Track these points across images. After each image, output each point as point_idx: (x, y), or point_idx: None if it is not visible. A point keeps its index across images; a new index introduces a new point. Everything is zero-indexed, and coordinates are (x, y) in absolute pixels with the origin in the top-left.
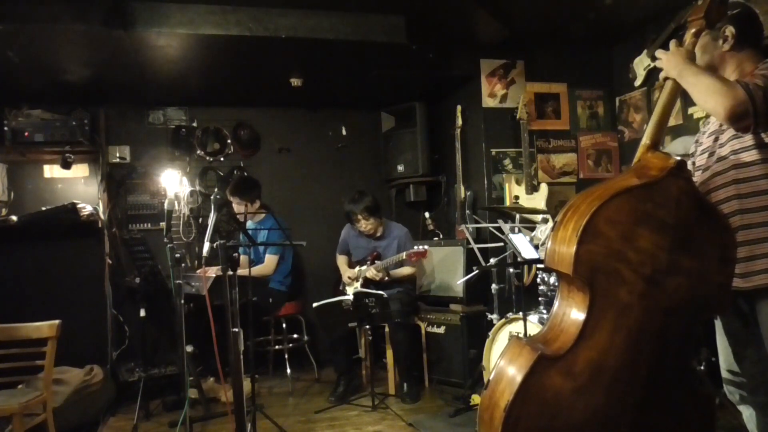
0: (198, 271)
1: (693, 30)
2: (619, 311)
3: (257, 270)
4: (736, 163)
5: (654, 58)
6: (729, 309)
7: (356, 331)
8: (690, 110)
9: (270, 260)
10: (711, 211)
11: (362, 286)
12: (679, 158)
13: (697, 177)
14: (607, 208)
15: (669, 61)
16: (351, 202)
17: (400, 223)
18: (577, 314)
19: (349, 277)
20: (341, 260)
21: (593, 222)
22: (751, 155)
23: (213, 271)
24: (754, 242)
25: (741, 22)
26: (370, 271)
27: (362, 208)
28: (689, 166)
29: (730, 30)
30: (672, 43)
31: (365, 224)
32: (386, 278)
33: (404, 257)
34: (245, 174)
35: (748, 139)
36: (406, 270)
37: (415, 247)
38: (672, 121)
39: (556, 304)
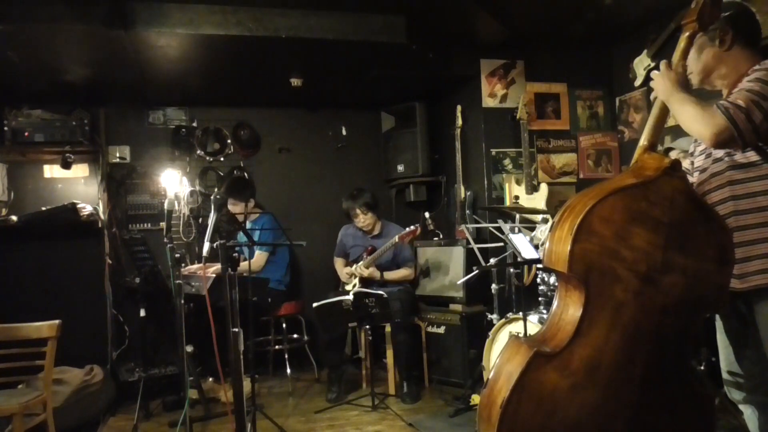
0: (195, 267)
1: (687, 33)
2: (615, 309)
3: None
4: (731, 165)
5: (654, 58)
6: (726, 308)
7: (356, 330)
8: None
9: (259, 256)
10: (709, 211)
11: (361, 283)
12: (674, 158)
13: (696, 178)
14: (601, 207)
15: (658, 84)
16: (350, 198)
17: (399, 224)
18: (573, 312)
19: (348, 273)
20: (339, 263)
21: (587, 220)
22: (745, 157)
23: (212, 270)
24: (748, 243)
25: (735, 22)
26: (360, 268)
27: (361, 203)
28: (688, 166)
29: (725, 31)
30: (662, 64)
31: (363, 219)
32: (377, 276)
33: (396, 240)
34: (240, 174)
35: None
36: (402, 272)
37: (406, 229)
38: (671, 121)
39: (555, 303)
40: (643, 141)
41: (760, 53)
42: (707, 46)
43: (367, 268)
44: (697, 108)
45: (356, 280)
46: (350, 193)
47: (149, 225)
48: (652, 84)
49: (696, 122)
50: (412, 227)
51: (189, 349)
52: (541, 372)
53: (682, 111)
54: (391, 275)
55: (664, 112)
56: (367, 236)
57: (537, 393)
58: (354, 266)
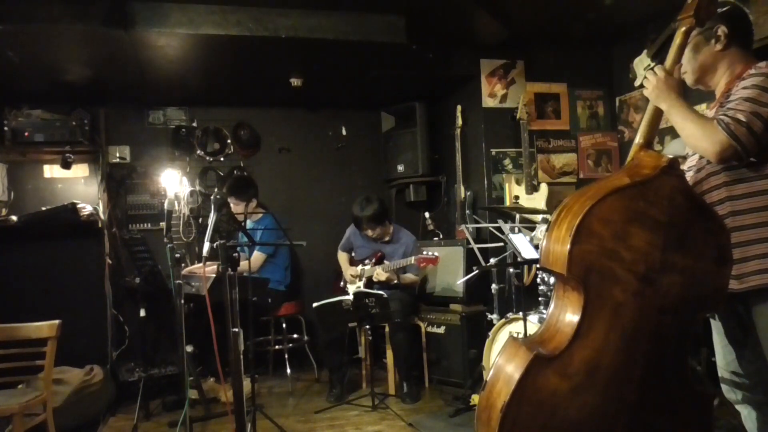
0: (194, 267)
1: (683, 29)
2: (614, 310)
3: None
4: (727, 166)
5: (654, 58)
6: (724, 307)
7: (356, 330)
8: None
9: (257, 256)
10: (707, 211)
11: (365, 285)
12: (671, 156)
13: (692, 177)
14: (599, 208)
15: (657, 89)
16: (358, 208)
17: (400, 224)
18: (572, 314)
19: (352, 275)
20: (342, 257)
21: (586, 221)
22: None
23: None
24: (746, 244)
25: (731, 20)
26: (377, 271)
27: (367, 218)
28: (685, 167)
29: (722, 30)
30: (659, 69)
31: (372, 232)
32: (395, 281)
33: (413, 261)
34: (242, 174)
35: None
36: (410, 277)
37: (425, 252)
38: (669, 122)
39: (552, 304)
40: (638, 139)
41: (753, 55)
42: (704, 45)
43: (386, 272)
44: (699, 124)
45: (360, 283)
46: (359, 203)
47: (149, 225)
48: (645, 83)
49: (698, 140)
50: (432, 255)
51: (189, 349)
52: (540, 375)
53: (683, 126)
54: (402, 278)
55: (659, 112)
56: (377, 240)
57: (537, 396)
58: (360, 268)
